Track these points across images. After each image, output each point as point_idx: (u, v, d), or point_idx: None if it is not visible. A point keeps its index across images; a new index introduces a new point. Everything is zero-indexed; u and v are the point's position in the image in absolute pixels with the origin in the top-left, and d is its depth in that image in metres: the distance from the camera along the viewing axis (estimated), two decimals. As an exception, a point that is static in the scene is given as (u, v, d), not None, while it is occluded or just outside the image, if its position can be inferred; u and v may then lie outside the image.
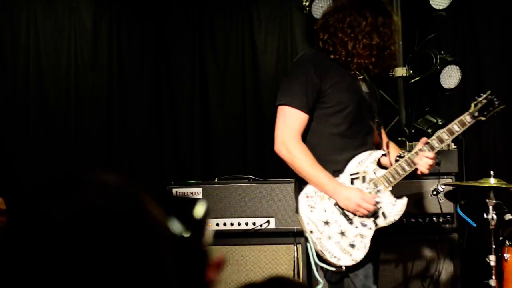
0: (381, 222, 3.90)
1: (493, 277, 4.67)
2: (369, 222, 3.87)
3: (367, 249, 3.84)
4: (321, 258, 3.86)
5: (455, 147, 5.56)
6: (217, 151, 6.60)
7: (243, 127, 6.66)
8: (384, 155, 4.01)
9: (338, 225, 3.84)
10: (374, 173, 3.94)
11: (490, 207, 4.75)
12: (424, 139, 4.01)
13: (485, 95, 4.14)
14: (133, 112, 6.62)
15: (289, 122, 3.88)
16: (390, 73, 6.36)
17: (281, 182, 5.60)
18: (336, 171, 3.90)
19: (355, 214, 3.85)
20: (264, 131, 6.56)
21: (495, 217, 4.72)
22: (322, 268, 3.92)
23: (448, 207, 5.34)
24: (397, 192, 5.36)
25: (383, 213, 3.90)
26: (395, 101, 6.50)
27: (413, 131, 6.06)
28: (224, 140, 6.62)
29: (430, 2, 6.19)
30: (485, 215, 4.78)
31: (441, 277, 5.34)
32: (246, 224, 5.57)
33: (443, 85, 6.22)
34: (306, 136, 3.93)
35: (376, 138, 4.16)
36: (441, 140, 4.02)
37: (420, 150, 3.99)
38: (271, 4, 6.79)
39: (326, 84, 3.89)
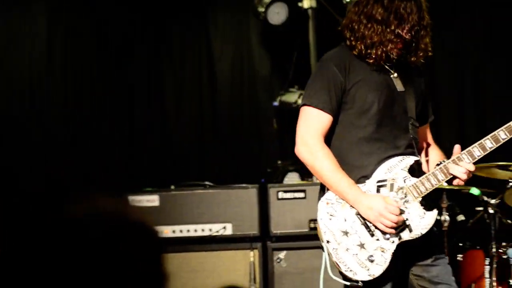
0: (406, 236, 3.51)
1: (447, 278, 4.71)
2: (393, 235, 3.49)
3: (387, 264, 3.47)
4: (336, 270, 3.54)
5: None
6: (174, 158, 6.59)
7: (200, 133, 6.65)
8: (418, 161, 3.61)
9: (358, 236, 3.50)
10: (404, 181, 3.55)
11: (443, 209, 4.79)
12: (458, 147, 3.61)
13: None
14: (88, 119, 6.57)
15: (311, 123, 3.58)
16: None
17: (238, 188, 5.61)
18: (362, 177, 3.57)
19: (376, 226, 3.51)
20: (220, 138, 6.57)
21: (448, 218, 4.77)
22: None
23: (402, 209, 5.38)
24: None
25: (408, 226, 3.51)
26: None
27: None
28: (181, 146, 6.61)
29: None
30: (438, 217, 4.82)
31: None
32: (203, 230, 5.56)
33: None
34: (330, 141, 3.63)
35: (420, 143, 3.78)
36: (484, 148, 3.57)
37: (458, 158, 3.56)
38: (227, 11, 6.80)
39: (350, 83, 3.60)
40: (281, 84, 6.61)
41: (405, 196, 3.53)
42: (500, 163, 4.59)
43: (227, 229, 5.54)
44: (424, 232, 3.51)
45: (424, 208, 3.53)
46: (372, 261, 3.47)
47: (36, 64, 6.56)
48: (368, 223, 3.49)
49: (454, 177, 3.55)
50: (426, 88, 3.82)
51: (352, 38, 3.61)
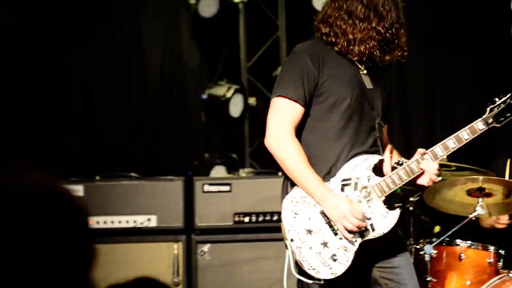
0: (369, 235, 3.52)
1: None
2: (356, 234, 3.49)
3: (349, 263, 3.49)
4: (299, 268, 3.53)
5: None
6: (101, 149, 6.53)
7: (127, 124, 6.61)
8: (382, 160, 3.62)
9: (321, 235, 3.50)
10: (368, 180, 3.56)
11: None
12: (421, 149, 3.62)
13: (504, 98, 3.64)
14: (18, 109, 6.46)
15: (283, 114, 3.52)
16: (273, 73, 6.44)
17: (163, 180, 5.61)
18: (327, 174, 3.55)
19: None
20: (148, 129, 6.54)
21: (369, 214, 4.85)
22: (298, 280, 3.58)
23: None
24: (278, 189, 5.46)
25: (371, 225, 3.52)
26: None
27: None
28: (108, 137, 6.55)
29: (314, 3, 6.30)
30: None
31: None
32: (127, 222, 5.54)
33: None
34: (301, 133, 3.59)
35: (384, 140, 3.81)
36: (446, 148, 3.59)
37: (422, 158, 3.58)
38: (158, 2, 6.76)
39: (323, 76, 3.56)
40: (210, 77, 6.62)
41: (369, 195, 3.54)
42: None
43: (152, 221, 5.53)
44: (386, 231, 3.53)
45: (387, 208, 3.55)
46: (335, 260, 3.48)
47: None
48: (332, 222, 3.49)
49: (417, 177, 3.59)
50: (389, 91, 3.85)
51: (331, 34, 3.59)
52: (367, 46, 3.54)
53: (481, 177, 4.44)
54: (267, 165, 6.18)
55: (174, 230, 5.52)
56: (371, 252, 3.57)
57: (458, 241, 4.61)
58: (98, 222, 5.49)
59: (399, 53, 3.62)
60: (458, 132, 3.60)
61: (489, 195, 4.50)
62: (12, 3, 6.41)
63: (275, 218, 5.44)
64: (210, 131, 6.62)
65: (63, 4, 6.50)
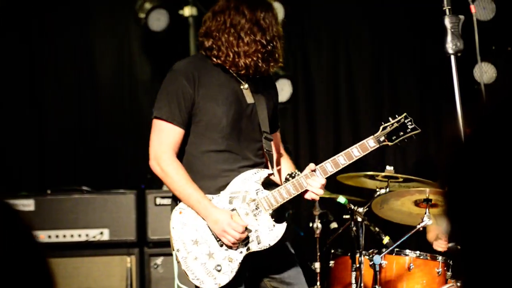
0: (254, 247, 3.59)
1: (318, 283, 4.87)
2: (240, 245, 3.57)
3: (233, 274, 3.55)
4: (185, 278, 3.63)
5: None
6: (52, 162, 6.48)
7: (79, 137, 6.58)
8: (271, 174, 3.69)
9: (207, 246, 3.58)
10: (257, 193, 3.63)
11: (316, 216, 4.96)
12: (312, 164, 3.69)
13: (398, 118, 3.78)
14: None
15: (162, 137, 3.61)
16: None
17: (116, 193, 5.61)
18: (217, 189, 3.63)
19: None
20: (98, 142, 6.53)
21: (320, 225, 4.94)
22: None
23: (277, 216, 5.51)
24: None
25: (257, 237, 3.59)
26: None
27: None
28: (59, 150, 6.51)
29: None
30: (310, 224, 4.98)
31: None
32: (79, 235, 5.53)
33: (275, 99, 6.43)
34: (184, 151, 3.67)
35: (276, 148, 3.89)
36: (336, 164, 3.68)
37: (311, 173, 3.65)
38: (108, 16, 6.76)
39: (198, 95, 3.61)
40: (161, 90, 6.62)
41: (257, 208, 3.61)
42: (368, 173, 4.80)
43: (104, 235, 5.54)
44: (272, 243, 3.60)
45: (274, 221, 3.61)
46: (219, 270, 3.55)
47: None
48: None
49: (306, 191, 3.65)
50: (277, 101, 3.95)
51: (214, 47, 3.64)
52: (253, 58, 3.59)
53: (428, 189, 4.55)
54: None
55: (127, 243, 5.53)
56: (261, 263, 3.66)
57: (407, 251, 4.70)
58: (50, 236, 5.47)
59: (277, 64, 3.71)
60: (349, 149, 3.69)
61: (435, 205, 4.61)
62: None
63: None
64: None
65: (14, 15, 6.46)
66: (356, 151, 3.67)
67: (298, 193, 3.64)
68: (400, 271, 4.68)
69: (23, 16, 6.51)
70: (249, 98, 3.71)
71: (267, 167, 3.72)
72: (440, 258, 4.68)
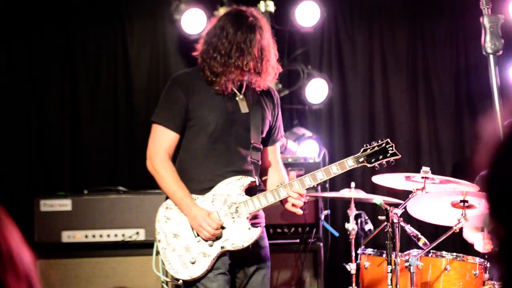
0: (228, 246, 3.91)
1: (353, 284, 4.85)
2: (216, 243, 3.91)
3: (206, 268, 3.88)
4: (163, 268, 4.01)
5: (319, 159, 5.75)
6: (88, 163, 6.54)
7: (115, 138, 6.63)
8: (254, 182, 3.98)
9: (186, 240, 3.93)
10: (238, 197, 3.95)
11: (351, 217, 4.94)
12: (293, 173, 4.01)
13: (380, 143, 4.02)
14: (1, 125, 6.47)
15: (157, 140, 4.02)
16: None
17: (151, 193, 5.64)
18: (203, 190, 3.97)
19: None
20: (135, 143, 6.57)
21: (355, 227, 4.92)
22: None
23: (312, 217, 5.52)
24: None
25: (233, 238, 3.91)
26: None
27: (281, 143, 6.23)
28: (96, 151, 6.57)
29: (298, 18, 6.39)
30: (346, 225, 4.97)
31: (305, 286, 5.50)
32: (116, 235, 5.57)
33: (310, 100, 6.43)
34: (178, 153, 4.04)
35: (264, 163, 4.16)
36: (314, 179, 3.95)
37: (290, 184, 3.95)
38: (144, 17, 6.80)
39: (192, 103, 3.97)
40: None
41: (236, 211, 3.93)
42: (405, 174, 4.77)
43: (140, 235, 5.57)
44: (246, 245, 3.91)
45: (250, 225, 3.93)
46: (193, 263, 3.89)
47: None
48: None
49: (285, 201, 3.96)
50: (278, 112, 4.20)
51: (203, 64, 3.98)
52: (227, 79, 3.92)
53: (464, 190, 4.51)
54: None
55: (162, 243, 5.54)
56: (235, 262, 3.97)
57: (443, 252, 4.66)
58: (86, 236, 5.52)
59: (266, 78, 3.96)
60: (328, 166, 3.97)
61: (472, 206, 4.57)
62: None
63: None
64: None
65: (46, 16, 6.54)
66: (335, 169, 3.95)
67: (276, 201, 3.94)
68: (436, 273, 4.65)
69: (61, 15, 6.59)
70: (244, 108, 4.02)
71: (252, 175, 4.00)
72: (477, 259, 4.64)
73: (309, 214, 5.51)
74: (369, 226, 5.25)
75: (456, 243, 5.23)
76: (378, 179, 4.94)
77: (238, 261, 3.99)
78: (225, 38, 3.91)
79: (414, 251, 4.56)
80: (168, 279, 4.04)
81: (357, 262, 4.93)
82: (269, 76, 3.96)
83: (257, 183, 4.02)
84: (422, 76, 6.81)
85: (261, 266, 4.06)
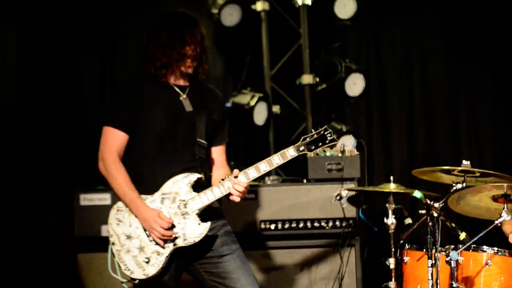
0: (180, 242, 4.02)
1: (393, 279, 4.82)
2: (168, 241, 4.01)
3: (160, 265, 4.00)
4: (119, 269, 4.11)
5: (358, 153, 5.71)
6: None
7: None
8: (200, 178, 4.10)
9: (139, 240, 4.03)
10: (186, 195, 4.06)
11: (390, 212, 4.90)
12: (236, 170, 4.08)
13: (318, 131, 4.15)
14: (42, 118, 6.54)
15: (107, 141, 4.12)
16: (297, 81, 6.50)
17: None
18: (150, 190, 4.07)
19: None
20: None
21: (394, 221, 4.88)
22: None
23: (350, 211, 5.48)
24: (303, 197, 5.50)
25: (184, 234, 4.02)
26: (302, 107, 6.63)
27: (318, 137, 6.19)
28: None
29: (335, 11, 6.35)
30: (385, 220, 4.93)
31: (344, 280, 5.47)
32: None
33: (348, 93, 6.39)
34: (128, 154, 4.15)
35: (211, 161, 4.33)
36: (258, 170, 4.08)
37: (235, 176, 4.05)
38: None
39: (138, 103, 4.10)
40: (234, 85, 6.67)
41: (185, 208, 4.04)
42: (444, 167, 4.72)
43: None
44: (197, 240, 4.01)
45: (200, 220, 4.03)
46: (147, 262, 4.00)
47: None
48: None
49: (230, 194, 4.03)
50: (223, 114, 4.39)
51: (143, 63, 4.18)
52: (174, 67, 4.15)
53: (506, 184, 4.44)
54: (293, 172, 6.22)
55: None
56: (194, 255, 4.11)
57: (484, 247, 4.61)
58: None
59: (203, 71, 4.22)
60: (271, 157, 4.07)
61: (514, 200, 4.50)
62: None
63: (301, 225, 5.48)
64: (235, 140, 6.65)
65: (85, 17, 6.60)
66: (277, 159, 4.05)
67: (223, 195, 4.04)
68: (477, 268, 4.60)
69: (100, 11, 6.65)
70: (188, 107, 4.19)
71: (198, 171, 4.12)
72: (519, 254, 4.58)
73: (348, 208, 5.48)
74: (408, 221, 5.20)
75: (497, 238, 5.15)
76: (418, 173, 4.90)
77: (194, 253, 4.10)
78: (166, 32, 4.14)
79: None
80: (124, 280, 4.09)
81: (397, 256, 4.90)
82: (203, 70, 4.20)
83: (203, 179, 4.13)
84: (461, 68, 6.71)
85: (226, 252, 4.15)
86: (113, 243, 4.08)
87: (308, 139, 4.13)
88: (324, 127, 4.17)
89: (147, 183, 4.08)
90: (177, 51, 4.11)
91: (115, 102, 4.23)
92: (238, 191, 4.02)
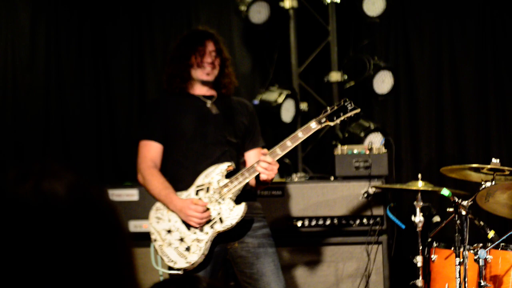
0: (218, 227, 4.16)
1: (420, 277, 4.80)
2: (206, 227, 4.17)
3: (202, 252, 4.14)
4: (162, 263, 4.28)
5: (385, 150, 5.69)
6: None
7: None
8: (230, 166, 4.24)
9: (178, 233, 4.20)
10: (218, 183, 4.20)
11: (417, 209, 4.88)
12: (265, 150, 4.20)
13: (338, 102, 4.29)
14: (71, 113, 6.60)
15: (142, 153, 4.34)
16: (325, 78, 6.49)
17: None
18: (186, 186, 4.25)
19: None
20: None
21: (422, 219, 4.85)
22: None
23: (378, 209, 5.47)
24: (330, 194, 5.49)
25: (220, 218, 4.17)
26: (329, 105, 6.61)
27: (346, 135, 6.19)
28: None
29: (364, 8, 6.33)
30: (413, 218, 4.91)
31: (371, 278, 5.45)
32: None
33: (376, 90, 6.36)
34: (165, 162, 4.35)
35: (232, 155, 4.38)
36: (283, 147, 4.18)
37: (262, 157, 4.14)
38: (210, 9, 6.83)
39: (167, 115, 4.35)
40: (261, 83, 6.67)
41: (219, 195, 4.19)
42: (473, 165, 4.68)
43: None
44: (234, 222, 4.16)
45: (234, 202, 4.18)
46: (188, 249, 4.15)
47: (19, 56, 6.56)
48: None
49: (259, 175, 4.14)
50: (253, 118, 4.55)
51: (169, 80, 4.41)
52: (195, 78, 4.37)
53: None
54: (320, 170, 6.22)
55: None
56: (228, 238, 4.24)
57: (513, 246, 4.57)
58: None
59: (229, 85, 4.46)
60: (295, 132, 4.22)
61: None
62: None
63: (328, 222, 5.47)
64: (263, 135, 6.67)
65: (115, 9, 6.64)
66: (300, 134, 4.21)
67: (252, 176, 4.17)
68: (506, 267, 4.55)
69: (131, 6, 6.70)
70: (214, 110, 4.40)
71: (228, 161, 4.27)
72: (548, 253, 4.53)
73: (375, 206, 5.46)
74: (436, 219, 5.16)
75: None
76: (446, 171, 4.87)
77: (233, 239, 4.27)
78: (177, 48, 4.43)
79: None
80: (170, 271, 4.23)
81: (424, 255, 4.87)
82: (230, 83, 4.44)
83: (234, 166, 4.26)
84: (491, 66, 6.65)
85: (263, 247, 4.28)
86: (155, 240, 4.25)
87: (329, 110, 4.24)
88: (344, 99, 4.29)
89: (181, 183, 4.25)
90: (188, 62, 4.34)
91: (145, 117, 4.51)
92: (264, 168, 4.09)
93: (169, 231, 4.22)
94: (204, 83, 4.40)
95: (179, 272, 4.17)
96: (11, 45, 6.56)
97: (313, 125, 4.19)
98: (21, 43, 6.58)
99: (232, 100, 4.51)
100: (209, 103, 4.42)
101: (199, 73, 4.35)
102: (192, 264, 4.15)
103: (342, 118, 4.25)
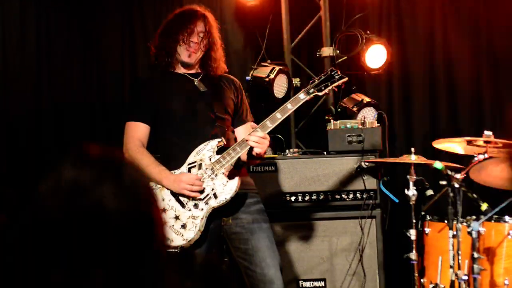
0: (213, 203, 4.17)
1: (414, 250, 4.82)
2: (201, 203, 4.17)
3: (198, 228, 4.14)
4: None
5: (378, 125, 5.68)
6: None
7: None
8: (220, 141, 4.24)
9: (173, 211, 4.19)
10: (210, 159, 4.21)
11: (411, 183, 4.88)
12: (253, 124, 4.25)
13: (325, 72, 4.31)
14: (62, 95, 6.57)
15: (129, 133, 4.34)
16: (317, 53, 6.46)
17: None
18: (178, 164, 4.24)
19: (187, 197, 4.19)
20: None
21: (415, 192, 4.86)
22: None
23: (371, 183, 5.47)
24: (323, 169, 5.49)
25: (214, 194, 4.17)
26: (322, 80, 6.59)
27: (339, 109, 6.17)
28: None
29: (356, -18, 6.30)
30: (406, 191, 4.91)
31: (365, 252, 5.47)
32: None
33: (369, 65, 6.34)
34: (156, 142, 4.38)
35: (223, 130, 4.39)
36: (273, 119, 4.20)
37: (254, 131, 4.18)
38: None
39: (154, 93, 4.35)
40: (253, 58, 6.65)
41: (212, 171, 4.19)
42: (466, 138, 4.68)
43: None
44: (228, 197, 4.17)
45: (227, 177, 4.19)
46: (184, 227, 4.14)
47: (9, 36, 6.52)
48: (180, 198, 4.20)
49: (252, 148, 4.15)
50: (241, 97, 4.56)
51: (156, 55, 4.44)
52: (181, 55, 4.38)
53: (528, 154, 4.40)
54: (313, 145, 6.21)
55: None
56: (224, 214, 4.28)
57: (506, 217, 4.59)
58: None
59: (217, 66, 4.47)
60: (284, 104, 4.23)
61: (537, 171, 4.46)
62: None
63: (322, 197, 5.47)
64: (255, 112, 6.65)
65: None
66: (289, 105, 4.22)
67: (243, 150, 4.18)
68: (499, 239, 4.58)
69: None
70: (203, 88, 4.41)
71: (218, 137, 4.27)
72: (541, 224, 4.55)
73: (369, 180, 5.47)
74: (429, 192, 5.17)
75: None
76: (439, 144, 4.87)
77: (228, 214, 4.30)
78: (169, 25, 4.42)
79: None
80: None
81: (418, 228, 4.88)
82: (218, 65, 4.45)
83: (224, 142, 4.25)
84: (484, 37, 6.62)
85: (257, 224, 4.32)
86: None
87: (316, 81, 4.26)
88: (331, 68, 4.33)
89: (174, 161, 4.25)
90: (175, 37, 4.35)
91: (132, 97, 4.53)
92: (256, 142, 4.11)
93: (163, 210, 4.20)
94: (185, 65, 4.43)
95: (176, 250, 4.15)
96: (1, 24, 6.49)
97: (302, 96, 4.22)
98: (11, 22, 6.52)
99: (219, 77, 4.52)
100: (196, 81, 4.44)
101: (183, 51, 4.37)
102: (189, 241, 4.14)
103: (330, 87, 4.27)
